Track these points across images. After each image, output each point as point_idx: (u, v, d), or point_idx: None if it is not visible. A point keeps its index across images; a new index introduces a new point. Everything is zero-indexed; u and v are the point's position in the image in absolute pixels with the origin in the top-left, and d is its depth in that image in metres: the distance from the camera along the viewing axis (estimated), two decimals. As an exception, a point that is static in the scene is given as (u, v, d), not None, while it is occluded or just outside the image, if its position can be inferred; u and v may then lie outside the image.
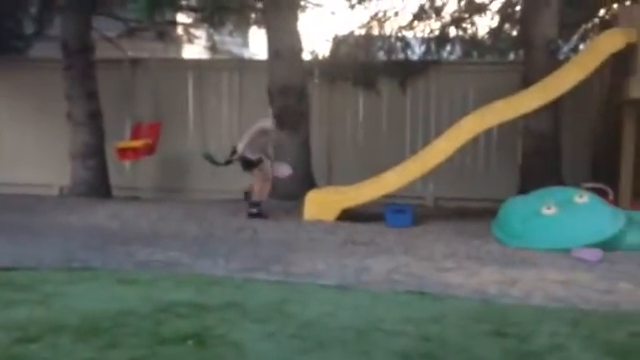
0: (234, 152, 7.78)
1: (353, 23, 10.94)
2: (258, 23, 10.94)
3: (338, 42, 10.63)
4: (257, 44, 14.83)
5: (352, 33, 10.52)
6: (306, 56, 9.77)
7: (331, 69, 9.87)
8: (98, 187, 9.96)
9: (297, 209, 7.87)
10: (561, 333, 3.66)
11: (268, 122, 7.87)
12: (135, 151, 9.79)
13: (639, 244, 6.22)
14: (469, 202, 9.52)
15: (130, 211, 8.24)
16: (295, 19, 9.20)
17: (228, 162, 8.01)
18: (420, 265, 5.49)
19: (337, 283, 4.80)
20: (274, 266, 5.34)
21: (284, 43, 8.99)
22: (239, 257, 5.68)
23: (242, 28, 12.32)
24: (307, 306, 4.13)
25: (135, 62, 10.86)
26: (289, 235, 6.81)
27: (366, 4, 9.85)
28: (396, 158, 8.37)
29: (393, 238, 6.74)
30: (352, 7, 9.92)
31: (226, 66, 11.14)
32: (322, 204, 7.69)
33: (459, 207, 9.37)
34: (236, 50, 13.66)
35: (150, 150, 9.87)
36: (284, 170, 7.88)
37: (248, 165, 7.72)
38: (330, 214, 7.59)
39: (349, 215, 7.67)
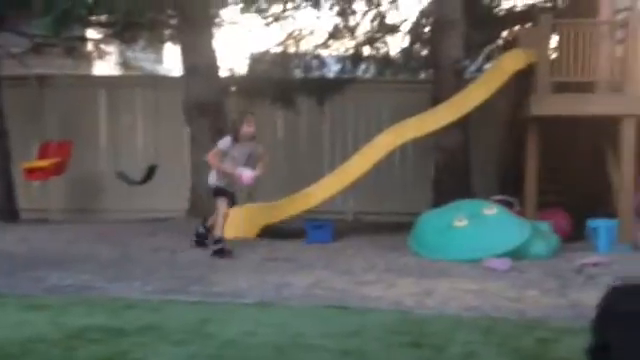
0: (151, 171, 7.59)
1: (270, 41, 11.02)
2: (172, 39, 10.78)
3: (255, 60, 10.66)
4: (171, 60, 14.59)
5: (269, 51, 10.59)
6: (223, 73, 9.72)
7: (249, 86, 9.88)
8: (4, 210, 9.45)
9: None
10: (474, 341, 3.80)
11: (222, 143, 6.83)
12: (43, 171, 9.38)
13: (544, 253, 6.58)
14: (386, 216, 9.75)
15: (39, 234, 7.87)
16: (210, 36, 9.15)
17: (143, 181, 7.81)
18: (340, 279, 5.56)
19: (258, 301, 4.78)
20: (193, 286, 5.25)
21: (200, 60, 8.91)
22: (156, 279, 5.54)
23: (155, 44, 12.09)
24: (227, 325, 4.08)
25: (42, 79, 10.43)
26: (208, 254, 6.71)
27: (282, 22, 9.95)
28: (315, 175, 8.47)
29: (314, 254, 6.80)
30: (268, 25, 9.99)
31: (139, 83, 10.90)
32: (242, 222, 7.64)
33: (377, 221, 9.58)
34: (149, 66, 13.38)
35: (59, 170, 9.48)
36: (248, 176, 6.81)
37: (215, 193, 6.85)
38: (251, 231, 7.56)
39: (270, 232, 7.66)
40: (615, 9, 7.74)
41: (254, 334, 3.90)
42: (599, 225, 7.03)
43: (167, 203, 9.83)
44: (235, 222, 7.59)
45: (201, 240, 7.04)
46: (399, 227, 8.05)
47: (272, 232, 7.65)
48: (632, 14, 7.18)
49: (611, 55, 7.35)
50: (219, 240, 6.65)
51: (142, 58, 12.74)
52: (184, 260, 6.48)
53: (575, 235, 7.46)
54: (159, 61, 15.53)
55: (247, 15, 9.71)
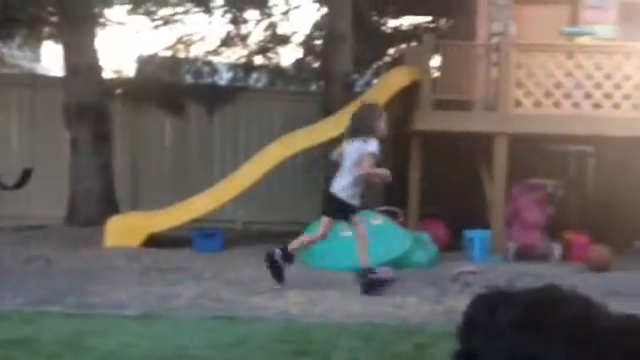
0: (26, 175, 7.12)
1: (159, 44, 10.75)
2: (53, 37, 10.24)
3: (143, 62, 10.36)
4: (51, 59, 13.82)
5: (157, 54, 10.32)
6: (108, 75, 9.36)
7: (135, 90, 9.57)
8: None
9: (97, 236, 7.43)
10: (357, 347, 3.90)
11: (373, 147, 5.46)
12: None
13: (424, 262, 6.89)
14: (276, 226, 9.77)
15: None
16: (93, 35, 8.79)
17: (18, 185, 7.33)
18: (228, 289, 5.50)
19: (140, 312, 4.61)
20: (70, 297, 4.98)
21: (81, 60, 8.53)
22: (29, 289, 5.20)
23: (33, 42, 11.42)
24: (106, 338, 3.91)
25: None
26: (87, 264, 6.40)
27: (171, 26, 9.74)
28: (205, 183, 8.35)
29: (202, 263, 6.68)
30: (156, 27, 9.75)
31: (15, 82, 10.24)
32: (125, 229, 7.37)
33: (267, 230, 9.57)
34: (26, 65, 12.60)
35: None
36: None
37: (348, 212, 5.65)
38: (134, 240, 7.30)
39: (156, 241, 7.44)
40: (490, 33, 8.30)
41: (134, 346, 3.76)
42: (474, 236, 7.46)
43: (43, 209, 9.28)
44: (117, 230, 7.32)
45: (279, 265, 5.68)
46: (288, 236, 8.06)
47: (159, 241, 7.44)
48: (504, 39, 7.73)
49: (486, 76, 7.86)
50: (369, 270, 5.57)
51: (19, 56, 11.99)
52: (60, 270, 6.14)
53: (453, 245, 7.87)
54: (37, 60, 14.66)
55: (135, 16, 9.41)
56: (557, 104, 7.54)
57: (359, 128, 5.52)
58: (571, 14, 8.45)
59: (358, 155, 5.44)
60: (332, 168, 8.99)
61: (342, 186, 5.56)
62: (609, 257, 6.82)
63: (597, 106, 7.46)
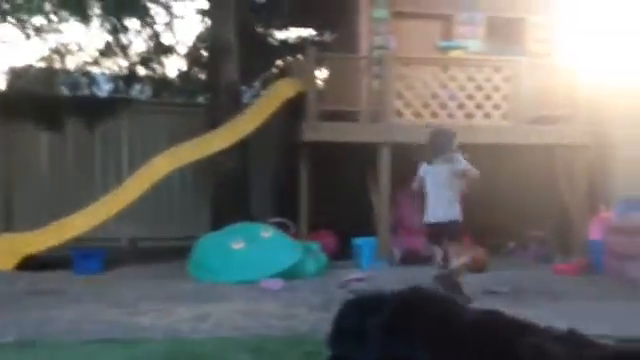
0: None
1: (32, 55, 10.15)
2: None
3: (15, 75, 9.73)
4: None
5: (31, 66, 9.73)
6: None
7: (7, 104, 8.97)
8: None
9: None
10: (244, 362, 3.87)
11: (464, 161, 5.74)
12: None
13: (313, 271, 6.97)
14: (166, 242, 9.50)
15: None
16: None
17: None
18: (111, 311, 5.27)
19: (14, 339, 4.31)
20: None
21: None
22: None
23: None
24: (-27, 371, 3.62)
25: None
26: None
27: (45, 35, 9.21)
28: (86, 200, 7.94)
29: (82, 285, 6.36)
30: (28, 37, 9.18)
31: None
32: (-2, 252, 6.89)
33: (156, 247, 9.29)
34: None
35: None
36: None
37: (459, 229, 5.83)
38: (8, 263, 6.84)
39: (33, 263, 7.00)
40: (372, 46, 8.58)
41: (6, 378, 3.51)
42: (361, 243, 7.66)
43: None
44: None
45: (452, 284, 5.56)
46: (178, 252, 7.90)
47: (36, 263, 7.00)
48: (385, 52, 8.03)
49: (369, 88, 8.12)
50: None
51: None
52: None
53: (342, 253, 8.02)
54: None
55: (4, 25, 8.82)
56: (434, 114, 7.93)
57: (442, 149, 5.77)
58: (445, 29, 8.92)
59: (452, 172, 5.70)
60: (222, 182, 8.95)
61: (449, 206, 5.70)
62: (485, 258, 7.24)
63: (470, 116, 7.93)
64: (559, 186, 7.94)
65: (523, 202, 8.21)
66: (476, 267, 7.11)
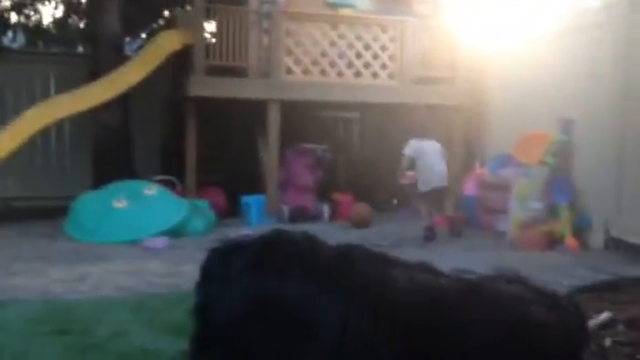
0: None
1: None
2: None
3: None
4: None
5: None
6: None
7: None
8: None
9: None
10: (123, 320, 3.77)
11: None
12: None
13: (201, 229, 6.88)
14: (43, 201, 8.97)
15: None
16: None
17: None
18: (-21, 273, 4.94)
19: None
20: None
21: None
22: None
23: None
24: None
25: None
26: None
27: None
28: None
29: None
30: None
31: None
32: None
33: (31, 207, 8.75)
34: None
35: None
36: None
37: None
38: None
39: None
40: (261, 0, 8.39)
41: None
42: (250, 201, 7.64)
43: None
44: None
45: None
46: (55, 212, 7.49)
47: None
48: (275, 7, 7.91)
49: (259, 43, 7.98)
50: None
51: None
52: None
53: (231, 211, 7.97)
54: None
55: None
56: (323, 72, 7.96)
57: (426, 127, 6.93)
58: (335, -14, 8.89)
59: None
60: (105, 138, 8.52)
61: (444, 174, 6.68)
62: (369, 214, 7.48)
63: (358, 74, 8.04)
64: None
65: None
66: (361, 223, 7.34)
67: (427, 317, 1.72)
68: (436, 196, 6.76)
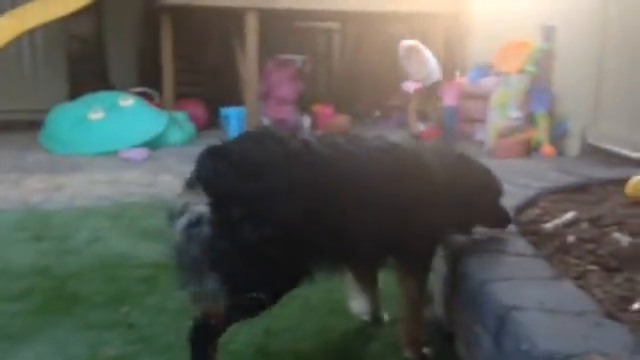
0: None
1: None
2: None
3: None
4: None
5: None
6: None
7: None
8: None
9: None
10: (101, 227, 3.82)
11: None
12: None
13: (179, 141, 6.86)
14: (17, 114, 8.80)
15: None
16: None
17: None
18: (-47, 184, 4.92)
19: None
20: None
21: None
22: None
23: None
24: None
25: None
26: None
27: None
28: None
29: None
30: None
31: None
32: None
33: (4, 121, 8.60)
34: None
35: None
36: None
37: None
38: None
39: None
40: None
41: None
42: (229, 113, 7.57)
43: None
44: None
45: None
46: (31, 125, 7.39)
47: None
48: None
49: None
50: None
51: None
52: None
53: (211, 124, 7.91)
54: None
55: None
56: (303, -21, 7.70)
57: None
58: None
59: None
60: (77, 49, 8.30)
61: None
62: (347, 125, 7.46)
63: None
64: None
65: (386, 72, 8.41)
66: (339, 133, 7.31)
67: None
68: (432, 92, 6.92)
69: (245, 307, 1.92)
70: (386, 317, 2.57)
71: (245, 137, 2.10)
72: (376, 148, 2.17)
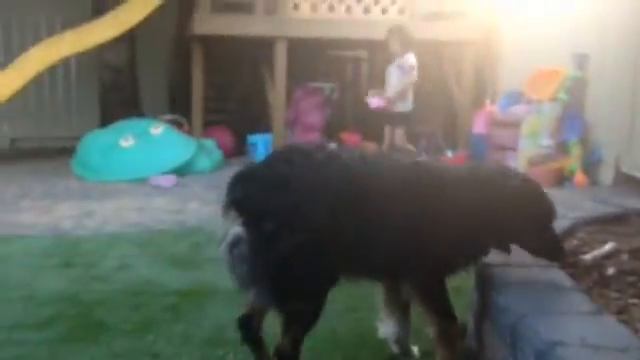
0: None
1: None
2: None
3: None
4: None
5: None
6: None
7: None
8: None
9: None
10: (130, 254, 3.81)
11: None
12: None
13: (207, 168, 6.89)
14: (50, 141, 8.98)
15: None
16: None
17: None
18: (-13, 210, 4.99)
19: None
20: None
21: None
22: None
23: None
24: None
25: None
26: None
27: None
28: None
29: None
30: None
31: None
32: None
33: (39, 147, 8.78)
34: None
35: None
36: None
37: None
38: None
39: None
40: None
41: None
42: (256, 140, 7.60)
43: None
44: None
45: None
46: (63, 152, 7.53)
47: None
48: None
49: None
50: None
51: None
52: None
53: (238, 151, 7.95)
54: None
55: None
56: (331, 8, 7.75)
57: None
58: None
59: None
60: (109, 78, 8.45)
61: None
62: (375, 152, 7.40)
63: (367, 10, 7.82)
64: (448, 82, 8.13)
65: (414, 98, 8.37)
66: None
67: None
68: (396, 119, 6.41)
69: (290, 314, 2.04)
70: (416, 351, 2.48)
71: (272, 155, 2.24)
72: (399, 164, 2.23)
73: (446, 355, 2.24)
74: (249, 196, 1.99)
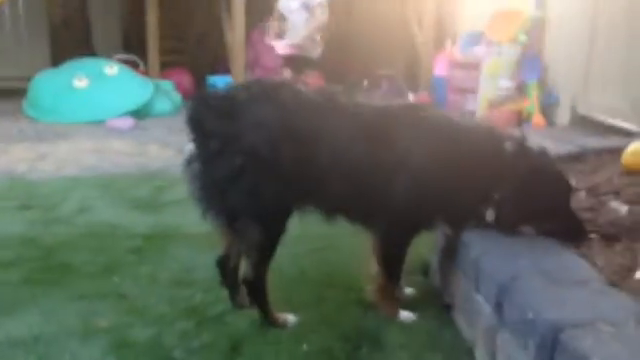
0: None
1: None
2: None
3: None
4: None
5: None
6: None
7: None
8: None
9: None
10: (90, 197, 3.74)
11: None
12: None
13: (166, 111, 6.73)
14: (1, 82, 8.59)
15: None
16: None
17: None
18: None
19: None
20: None
21: None
22: None
23: None
24: None
25: None
26: None
27: None
28: None
29: None
30: None
31: None
32: None
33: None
34: None
35: None
36: None
37: None
38: None
39: None
40: None
41: None
42: (216, 81, 7.43)
43: None
44: None
45: None
46: (14, 93, 7.21)
47: None
48: None
49: None
50: None
51: None
52: None
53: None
54: None
55: None
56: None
57: None
58: None
59: None
60: (59, 15, 8.06)
61: None
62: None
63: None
64: (409, 25, 8.06)
65: (376, 42, 8.31)
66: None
67: None
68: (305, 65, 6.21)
69: (246, 239, 2.13)
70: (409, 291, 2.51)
71: (234, 85, 2.45)
72: (361, 106, 2.23)
73: (381, 305, 2.32)
74: (201, 116, 2.09)
